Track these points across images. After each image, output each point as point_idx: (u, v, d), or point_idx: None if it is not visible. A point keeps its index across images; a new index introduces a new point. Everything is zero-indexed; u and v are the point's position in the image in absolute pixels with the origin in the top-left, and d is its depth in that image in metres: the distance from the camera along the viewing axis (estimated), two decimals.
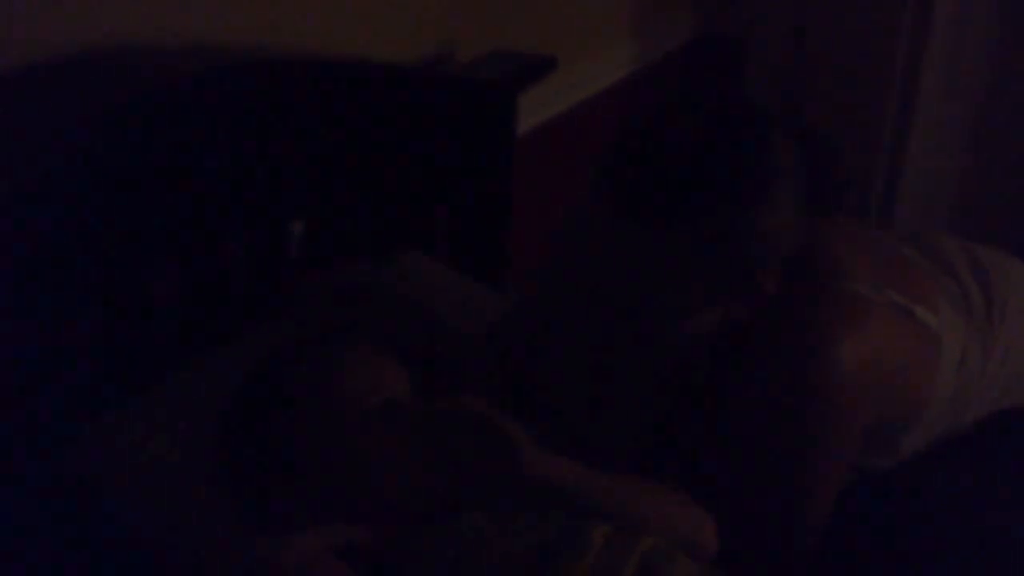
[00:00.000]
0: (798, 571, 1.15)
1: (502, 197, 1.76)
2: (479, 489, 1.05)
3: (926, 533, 1.24)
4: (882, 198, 2.52)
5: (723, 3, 2.58)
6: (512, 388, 1.33)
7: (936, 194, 2.56)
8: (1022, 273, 1.34)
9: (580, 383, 1.32)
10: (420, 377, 1.13)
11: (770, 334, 1.12)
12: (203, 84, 1.29)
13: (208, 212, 1.32)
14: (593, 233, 1.09)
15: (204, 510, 1.14)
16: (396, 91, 1.55)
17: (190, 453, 1.18)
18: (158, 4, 1.31)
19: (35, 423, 1.17)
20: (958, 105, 2.48)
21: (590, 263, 1.11)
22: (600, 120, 2.11)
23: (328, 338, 1.17)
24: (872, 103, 2.43)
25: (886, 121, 2.44)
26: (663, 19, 2.44)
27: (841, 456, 1.14)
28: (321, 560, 0.97)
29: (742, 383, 1.14)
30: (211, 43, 1.38)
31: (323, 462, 1.05)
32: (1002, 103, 2.47)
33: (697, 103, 1.12)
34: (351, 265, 1.53)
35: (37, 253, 1.14)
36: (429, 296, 1.51)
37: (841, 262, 1.16)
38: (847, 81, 2.44)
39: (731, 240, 1.04)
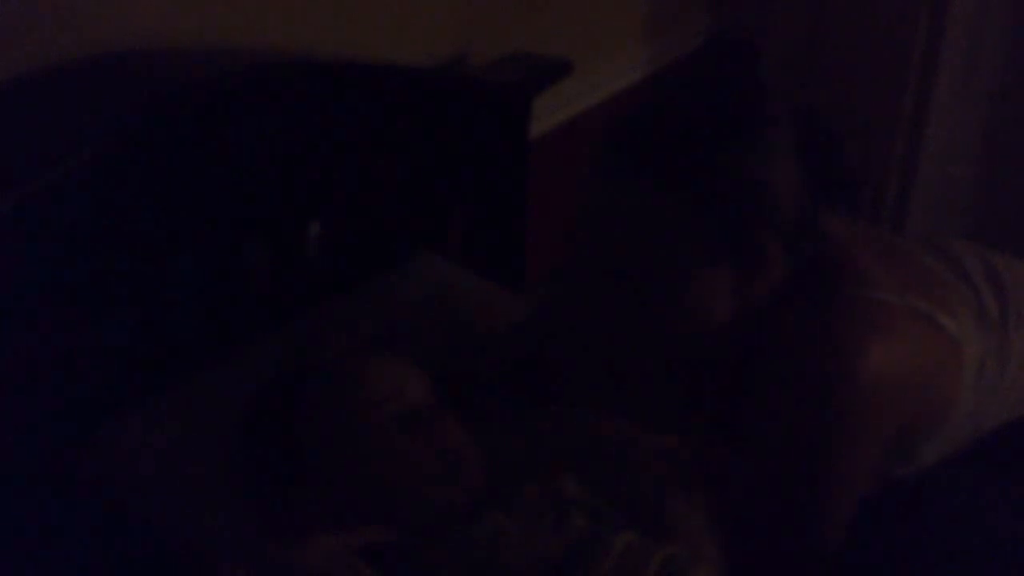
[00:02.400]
0: None
1: (517, 199, 1.77)
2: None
3: (942, 540, 1.23)
4: (895, 202, 2.51)
5: (738, 5, 2.57)
6: (539, 384, 1.34)
7: (949, 199, 2.55)
8: None
9: (601, 376, 1.32)
10: (440, 380, 1.14)
11: (795, 341, 1.11)
12: (220, 86, 1.30)
13: (226, 213, 1.33)
14: (597, 204, 1.10)
15: (224, 512, 1.15)
16: (411, 93, 1.55)
17: (210, 455, 1.18)
18: (178, 6, 1.32)
19: (54, 423, 1.18)
20: (972, 109, 2.47)
21: (598, 238, 1.12)
22: None
23: (348, 343, 1.18)
24: (886, 106, 2.42)
25: (900, 124, 2.43)
26: (678, 21, 2.44)
27: (864, 465, 1.13)
28: (341, 559, 0.98)
29: (766, 389, 1.14)
30: (228, 46, 1.39)
31: (343, 467, 1.06)
32: (1017, 108, 2.46)
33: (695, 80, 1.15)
34: (369, 269, 1.53)
35: (56, 255, 1.15)
36: (446, 297, 1.51)
37: (865, 269, 1.15)
38: (862, 84, 2.44)
39: (726, 191, 1.04)
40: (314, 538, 0.99)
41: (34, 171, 1.13)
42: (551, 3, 1.98)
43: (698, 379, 1.30)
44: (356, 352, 1.14)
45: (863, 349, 1.08)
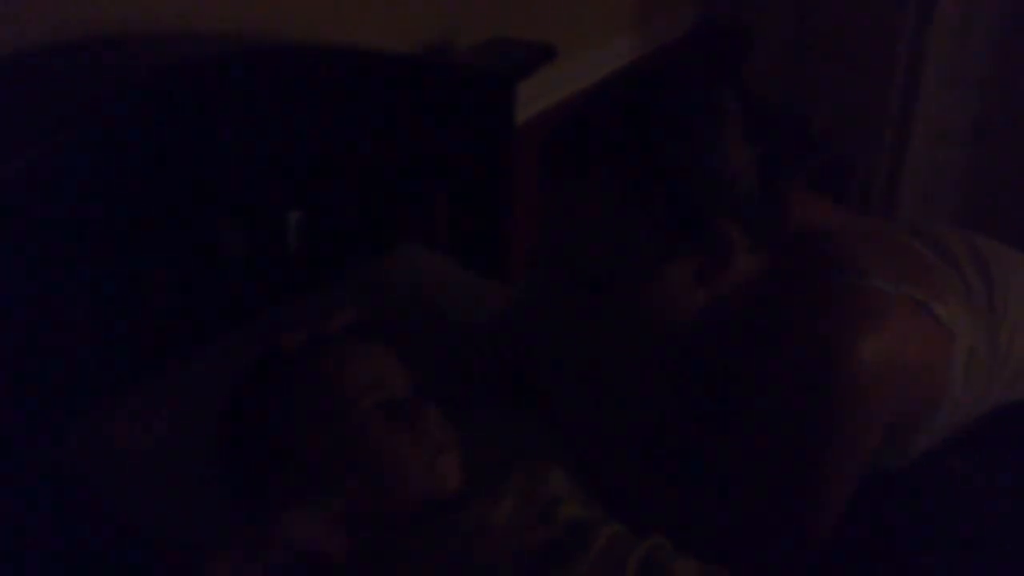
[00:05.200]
0: (806, 570, 1.14)
1: (501, 187, 1.76)
2: None
3: (933, 528, 1.23)
4: (885, 189, 2.51)
5: None
6: (516, 379, 1.33)
7: (938, 186, 2.56)
8: (1022, 264, 1.33)
9: (580, 370, 1.32)
10: (422, 371, 1.13)
11: (788, 332, 1.11)
12: (199, 72, 1.28)
13: (205, 201, 1.31)
14: (552, 205, 1.09)
15: (206, 504, 1.13)
16: (394, 79, 1.54)
17: (189, 446, 1.17)
18: None
19: (29, 414, 1.17)
20: (961, 96, 2.47)
21: (558, 239, 1.11)
22: None
23: (328, 332, 1.17)
24: (875, 93, 2.42)
25: (889, 111, 2.43)
26: (665, 7, 2.43)
27: (858, 454, 1.13)
28: (318, 528, 0.98)
29: (757, 379, 1.13)
30: (208, 31, 1.38)
31: (323, 455, 1.05)
32: (1005, 94, 2.46)
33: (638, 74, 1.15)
34: (351, 257, 1.52)
35: (33, 243, 1.13)
36: (429, 287, 1.50)
37: (859, 257, 1.14)
38: (850, 71, 2.44)
39: (673, 183, 1.03)
40: (289, 512, 0.98)
41: (9, 154, 1.11)
42: None
43: (684, 371, 1.29)
44: (338, 340, 1.13)
45: (858, 339, 1.07)
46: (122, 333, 1.26)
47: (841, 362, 1.07)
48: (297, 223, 1.45)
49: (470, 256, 1.72)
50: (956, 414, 1.23)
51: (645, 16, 2.33)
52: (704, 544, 1.08)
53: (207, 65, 1.30)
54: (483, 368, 1.34)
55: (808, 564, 1.13)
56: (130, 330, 1.27)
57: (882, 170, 2.49)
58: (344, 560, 1.00)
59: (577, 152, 1.06)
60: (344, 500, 1.01)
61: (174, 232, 1.29)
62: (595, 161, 1.05)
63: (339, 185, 1.51)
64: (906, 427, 1.19)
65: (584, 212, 1.07)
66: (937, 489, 1.26)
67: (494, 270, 1.76)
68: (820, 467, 1.10)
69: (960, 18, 2.37)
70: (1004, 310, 1.26)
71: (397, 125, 1.55)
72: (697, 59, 2.52)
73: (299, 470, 1.04)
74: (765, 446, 1.11)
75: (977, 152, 2.53)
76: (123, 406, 1.24)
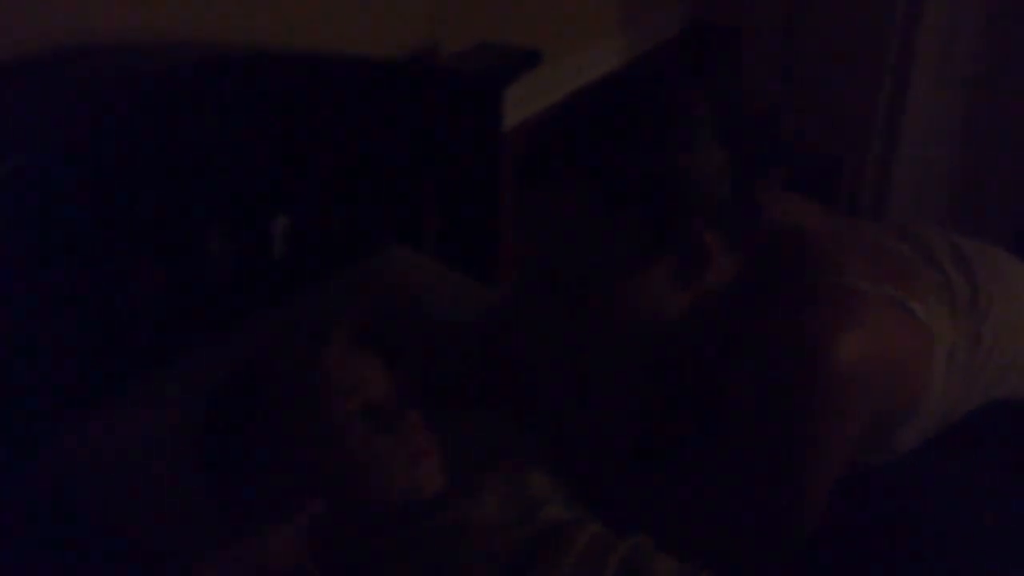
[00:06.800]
0: (789, 567, 1.14)
1: (489, 191, 1.76)
2: None
3: (914, 527, 1.23)
4: (874, 188, 2.52)
5: None
6: (499, 380, 1.33)
7: (927, 186, 2.56)
8: (1005, 263, 1.34)
9: (563, 372, 1.32)
10: (405, 371, 1.13)
11: (767, 330, 1.11)
12: (185, 78, 1.29)
13: (190, 207, 1.31)
14: (528, 211, 1.10)
15: (187, 510, 1.13)
16: (381, 85, 1.54)
17: (172, 453, 1.17)
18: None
19: (13, 420, 1.17)
20: (950, 96, 2.47)
21: (535, 245, 1.12)
22: None
23: (311, 335, 1.17)
24: (864, 94, 2.43)
25: (877, 112, 2.43)
26: (655, 8, 2.43)
27: (838, 452, 1.13)
28: (289, 554, 0.98)
29: (738, 378, 1.13)
30: (194, 37, 1.38)
31: (303, 457, 1.05)
32: (993, 94, 2.46)
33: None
34: (337, 263, 1.52)
35: (17, 248, 1.13)
36: (417, 290, 1.50)
37: (837, 257, 1.15)
38: (839, 72, 2.44)
39: (644, 186, 1.04)
40: (264, 534, 0.98)
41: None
42: None
43: (667, 373, 1.30)
44: (319, 346, 1.13)
45: (835, 337, 1.08)
46: (108, 339, 1.26)
47: (820, 360, 1.07)
48: (283, 229, 1.45)
49: (458, 260, 1.72)
50: (939, 411, 1.24)
51: (632, 19, 2.34)
52: (688, 544, 1.09)
53: (192, 71, 1.30)
54: (468, 370, 1.34)
55: (792, 560, 1.14)
56: (116, 336, 1.27)
57: (871, 171, 2.49)
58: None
59: (552, 159, 1.07)
60: (317, 513, 1.02)
61: (160, 238, 1.29)
62: (570, 167, 1.05)
63: (326, 191, 1.51)
64: (888, 423, 1.20)
65: (561, 219, 1.07)
66: (922, 485, 1.27)
67: (482, 274, 1.77)
68: (801, 464, 1.11)
69: (948, 19, 2.37)
70: (987, 309, 1.26)
71: (384, 131, 1.56)
72: (684, 62, 2.53)
73: (279, 476, 1.05)
74: (747, 444, 1.12)
75: (965, 152, 2.54)
76: (108, 412, 1.24)
